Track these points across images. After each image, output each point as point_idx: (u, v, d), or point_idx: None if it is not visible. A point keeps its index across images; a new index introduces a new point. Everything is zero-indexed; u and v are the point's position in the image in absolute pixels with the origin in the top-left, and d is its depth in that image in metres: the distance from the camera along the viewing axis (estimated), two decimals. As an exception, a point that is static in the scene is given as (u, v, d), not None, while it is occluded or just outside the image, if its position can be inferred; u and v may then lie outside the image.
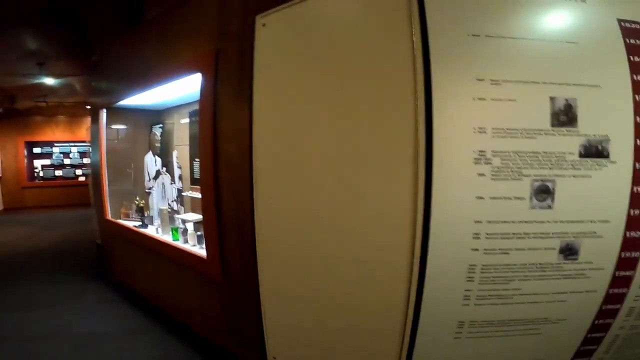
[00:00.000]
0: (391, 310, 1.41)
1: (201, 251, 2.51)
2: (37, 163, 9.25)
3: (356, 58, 1.42)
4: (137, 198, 3.34)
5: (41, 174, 9.25)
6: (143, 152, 3.74)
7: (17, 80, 6.15)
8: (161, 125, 3.56)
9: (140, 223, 3.24)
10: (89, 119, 9.32)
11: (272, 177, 1.71)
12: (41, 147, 9.22)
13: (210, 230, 2.13)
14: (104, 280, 3.82)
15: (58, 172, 9.37)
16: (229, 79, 1.95)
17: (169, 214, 2.94)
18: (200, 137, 2.09)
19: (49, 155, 9.31)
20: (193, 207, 2.83)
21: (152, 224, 3.32)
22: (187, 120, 3.25)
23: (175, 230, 2.76)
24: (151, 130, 3.69)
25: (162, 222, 2.92)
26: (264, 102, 1.72)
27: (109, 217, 3.60)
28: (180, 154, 3.17)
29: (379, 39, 1.36)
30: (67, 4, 3.71)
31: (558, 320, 1.33)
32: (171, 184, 3.07)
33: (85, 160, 9.52)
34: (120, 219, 3.64)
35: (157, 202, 3.25)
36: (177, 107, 3.44)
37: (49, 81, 6.20)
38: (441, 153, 1.24)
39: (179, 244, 2.69)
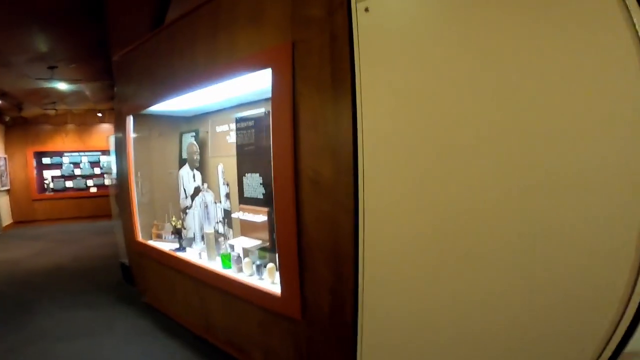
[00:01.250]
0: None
1: (260, 283, 2.13)
2: (47, 174, 8.89)
3: (532, 40, 1.02)
4: (173, 218, 2.96)
5: (51, 185, 8.89)
6: (171, 162, 3.37)
7: (25, 84, 5.78)
8: (194, 133, 3.18)
9: (178, 246, 2.87)
10: (99, 127, 9.02)
11: (392, 202, 1.31)
12: (50, 158, 8.86)
13: (288, 261, 1.74)
14: (134, 304, 3.43)
15: (68, 183, 9.01)
16: (313, 77, 1.55)
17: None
18: (276, 150, 1.70)
19: (58, 165, 8.95)
20: (243, 230, 2.45)
21: (190, 246, 2.95)
22: (225, 127, 2.87)
23: (226, 257, 2.37)
24: (181, 139, 3.31)
25: (207, 247, 2.53)
26: (375, 108, 1.32)
27: (140, 238, 3.23)
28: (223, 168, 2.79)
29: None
30: (88, 2, 3.33)
31: None
32: (215, 202, 2.68)
33: (97, 171, 9.17)
34: (151, 239, 3.27)
35: (198, 223, 2.87)
36: (213, 113, 3.06)
37: (61, 86, 5.84)
38: None
39: (231, 273, 2.31)
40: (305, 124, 1.58)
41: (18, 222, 8.30)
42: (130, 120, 3.20)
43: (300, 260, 1.67)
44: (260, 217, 2.29)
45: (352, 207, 1.40)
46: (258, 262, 2.19)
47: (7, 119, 7.91)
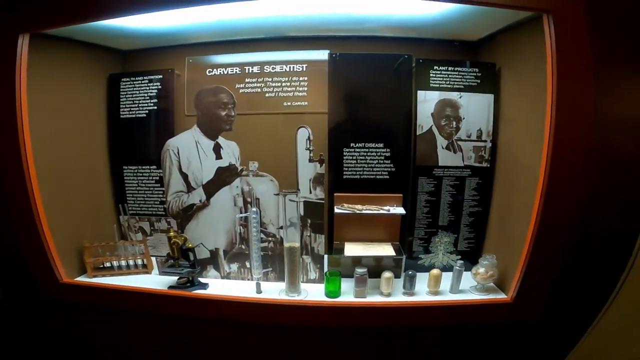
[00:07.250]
0: None
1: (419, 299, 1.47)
2: None
3: None
4: (172, 232, 1.64)
5: None
6: (96, 125, 1.87)
7: None
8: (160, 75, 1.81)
9: (185, 280, 1.65)
10: None
11: None
12: None
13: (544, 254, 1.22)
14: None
15: None
16: None
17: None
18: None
19: None
20: (347, 230, 1.58)
21: (201, 277, 1.74)
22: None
23: (336, 278, 1.48)
24: (117, 88, 1.86)
25: (290, 272, 1.51)
26: None
27: (65, 277, 1.72)
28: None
29: None
30: None
31: None
32: (282, 194, 1.57)
33: None
34: (83, 275, 1.80)
35: (224, 235, 1.69)
36: (188, 47, 1.81)
37: None
38: None
39: (345, 300, 1.48)
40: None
41: None
42: (23, 43, 1.53)
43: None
44: (393, 207, 1.53)
45: None
46: (410, 272, 1.48)
47: None
